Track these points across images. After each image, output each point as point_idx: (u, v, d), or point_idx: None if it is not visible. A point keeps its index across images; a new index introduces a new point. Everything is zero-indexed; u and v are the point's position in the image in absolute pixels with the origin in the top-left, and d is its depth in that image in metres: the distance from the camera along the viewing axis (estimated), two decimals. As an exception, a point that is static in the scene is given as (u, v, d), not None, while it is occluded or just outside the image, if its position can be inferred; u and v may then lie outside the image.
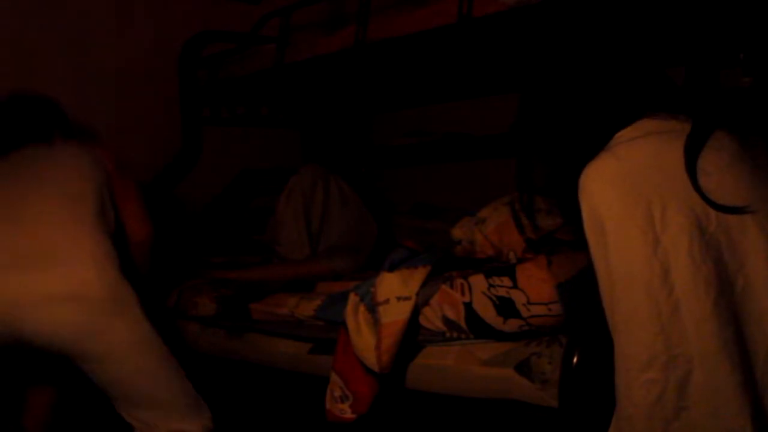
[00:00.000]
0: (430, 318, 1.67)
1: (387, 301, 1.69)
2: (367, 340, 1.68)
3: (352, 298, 1.77)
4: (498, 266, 1.73)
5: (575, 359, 1.36)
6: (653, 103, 1.09)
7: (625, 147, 1.03)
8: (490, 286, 1.58)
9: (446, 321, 1.64)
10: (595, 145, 1.06)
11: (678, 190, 0.96)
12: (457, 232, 2.09)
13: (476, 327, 1.59)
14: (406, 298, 1.67)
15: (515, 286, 1.55)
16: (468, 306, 1.59)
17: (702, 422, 0.93)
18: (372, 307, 1.71)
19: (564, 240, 1.78)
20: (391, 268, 1.78)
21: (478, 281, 1.61)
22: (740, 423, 0.91)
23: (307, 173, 2.70)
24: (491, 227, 1.99)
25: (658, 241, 0.95)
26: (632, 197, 0.98)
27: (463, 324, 1.60)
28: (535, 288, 1.53)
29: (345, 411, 1.71)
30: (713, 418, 0.92)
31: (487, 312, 1.57)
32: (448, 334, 1.65)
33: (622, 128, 1.06)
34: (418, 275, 1.72)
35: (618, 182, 1.00)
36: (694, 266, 0.94)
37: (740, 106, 1.13)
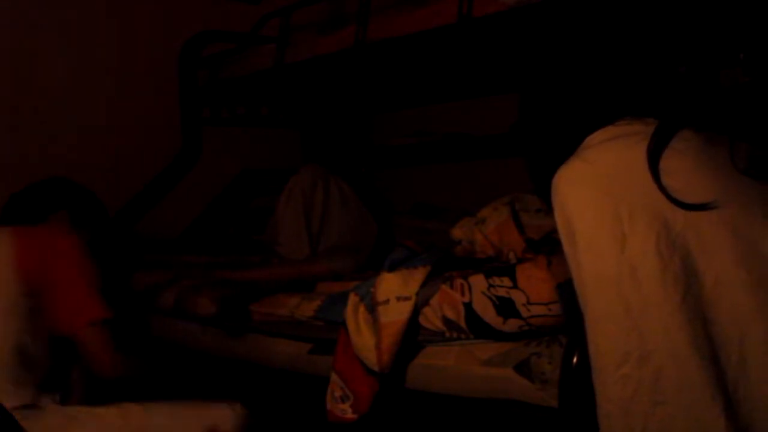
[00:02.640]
0: (430, 318, 1.67)
1: (387, 301, 1.69)
2: (367, 340, 1.68)
3: (352, 298, 1.77)
4: (498, 266, 1.73)
5: (575, 359, 1.36)
6: (627, 107, 1.11)
7: (594, 150, 1.06)
8: (490, 286, 1.58)
9: (446, 321, 1.63)
10: (573, 148, 1.09)
11: (645, 191, 0.99)
12: (457, 232, 2.09)
13: (476, 327, 1.59)
14: (406, 298, 1.67)
15: (515, 286, 1.55)
16: (468, 306, 1.59)
17: (678, 415, 0.95)
18: (372, 307, 1.71)
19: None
20: (391, 268, 1.78)
21: (478, 281, 1.61)
22: (713, 415, 0.92)
23: (307, 173, 2.70)
24: (491, 227, 1.99)
25: (625, 240, 0.97)
26: (601, 198, 1.01)
27: (463, 324, 1.60)
28: (535, 288, 1.53)
29: (346, 411, 1.71)
30: (687, 412, 0.94)
31: (487, 312, 1.57)
32: (448, 334, 1.65)
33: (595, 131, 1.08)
34: (418, 275, 1.72)
35: (587, 184, 1.02)
36: (662, 263, 0.96)
37: (709, 106, 1.15)
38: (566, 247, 1.04)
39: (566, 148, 1.09)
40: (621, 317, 0.97)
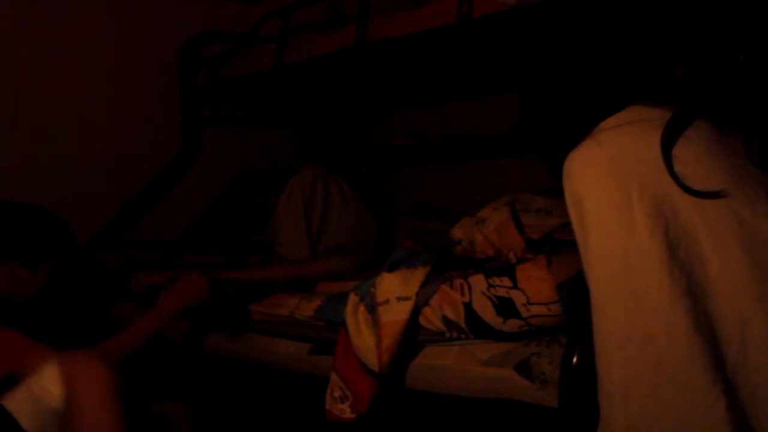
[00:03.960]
0: (430, 318, 1.67)
1: (387, 301, 1.69)
2: (367, 340, 1.68)
3: (352, 299, 1.77)
4: (498, 266, 1.73)
5: (575, 359, 1.36)
6: (641, 94, 1.11)
7: (607, 134, 1.07)
8: (490, 286, 1.58)
9: (446, 321, 1.63)
10: (583, 136, 1.09)
11: (656, 176, 0.99)
12: (457, 232, 2.09)
13: (476, 327, 1.59)
14: (406, 298, 1.67)
15: (515, 286, 1.55)
16: (468, 306, 1.59)
17: (672, 399, 0.95)
18: (372, 308, 1.71)
19: (564, 240, 1.78)
20: (391, 268, 1.78)
21: (478, 281, 1.61)
22: (710, 401, 0.93)
23: (307, 173, 2.69)
24: (491, 227, 1.98)
25: (635, 223, 0.98)
26: (612, 180, 1.01)
27: (463, 324, 1.60)
28: (535, 288, 1.53)
29: (345, 411, 1.71)
30: (684, 397, 0.95)
31: (486, 312, 1.57)
32: (448, 334, 1.65)
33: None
34: (418, 275, 1.72)
35: (599, 166, 1.03)
36: (670, 248, 0.97)
37: (723, 96, 1.15)
38: (576, 229, 1.05)
39: (572, 141, 1.09)
40: (625, 299, 0.98)
